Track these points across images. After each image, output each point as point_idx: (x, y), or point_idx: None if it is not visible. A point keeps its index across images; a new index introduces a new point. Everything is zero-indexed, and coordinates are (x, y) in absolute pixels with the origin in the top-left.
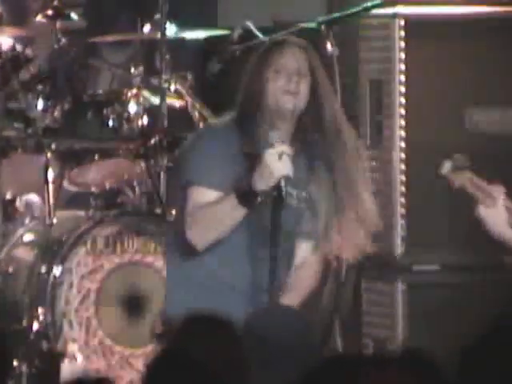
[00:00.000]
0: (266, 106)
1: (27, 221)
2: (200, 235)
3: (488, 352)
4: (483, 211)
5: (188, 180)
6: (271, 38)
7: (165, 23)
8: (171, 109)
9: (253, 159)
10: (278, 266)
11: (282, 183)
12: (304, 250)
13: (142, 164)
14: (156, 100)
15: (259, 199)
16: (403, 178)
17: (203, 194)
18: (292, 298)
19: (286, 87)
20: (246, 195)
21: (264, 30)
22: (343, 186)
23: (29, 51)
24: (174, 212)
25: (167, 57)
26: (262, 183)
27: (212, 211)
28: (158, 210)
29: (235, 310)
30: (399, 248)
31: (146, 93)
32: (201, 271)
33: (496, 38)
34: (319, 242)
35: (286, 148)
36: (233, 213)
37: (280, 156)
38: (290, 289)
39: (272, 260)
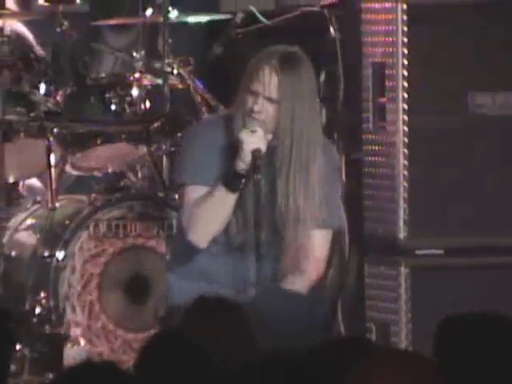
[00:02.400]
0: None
1: (30, 205)
2: (199, 233)
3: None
4: None
5: (181, 182)
6: (267, 50)
7: (167, 7)
8: (173, 93)
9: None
10: (263, 256)
11: (257, 156)
12: (315, 238)
13: (145, 148)
14: (158, 84)
15: (243, 181)
16: (406, 162)
17: (196, 192)
18: (301, 282)
19: (253, 108)
20: (230, 179)
21: (267, 14)
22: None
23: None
24: (176, 196)
25: (169, 41)
26: (240, 162)
27: (204, 206)
28: (161, 194)
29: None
30: (402, 232)
31: (148, 77)
32: (194, 272)
33: (497, 22)
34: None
35: (259, 128)
36: (223, 201)
37: (253, 132)
38: (299, 273)
39: (258, 249)
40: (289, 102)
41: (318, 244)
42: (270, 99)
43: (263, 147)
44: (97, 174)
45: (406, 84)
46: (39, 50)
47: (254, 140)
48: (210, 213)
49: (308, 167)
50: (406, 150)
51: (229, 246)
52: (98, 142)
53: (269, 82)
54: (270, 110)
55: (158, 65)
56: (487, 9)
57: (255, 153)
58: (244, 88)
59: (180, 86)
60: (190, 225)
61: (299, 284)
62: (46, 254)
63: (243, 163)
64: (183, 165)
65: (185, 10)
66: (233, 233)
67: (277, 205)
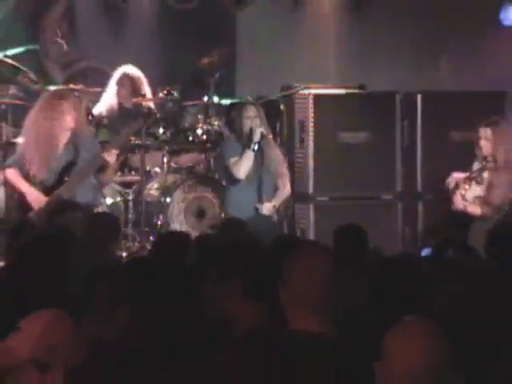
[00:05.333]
0: (244, 133)
1: (156, 179)
2: (242, 171)
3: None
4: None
5: (225, 160)
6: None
7: (213, 96)
8: (216, 132)
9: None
10: (266, 189)
11: (262, 135)
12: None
13: (203, 155)
14: (210, 128)
15: (256, 147)
16: (312, 160)
17: (234, 159)
18: (279, 200)
19: (252, 125)
20: (252, 146)
21: (256, 99)
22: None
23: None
24: (217, 175)
25: (214, 110)
26: (255, 138)
27: (242, 160)
28: (210, 175)
29: (251, 212)
30: (311, 189)
31: (205, 125)
32: (237, 198)
33: (353, 105)
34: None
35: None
36: (249, 156)
37: (260, 126)
38: (277, 197)
39: (261, 186)
40: (262, 117)
41: (287, 182)
42: (256, 116)
43: (265, 132)
44: (183, 166)
45: (312, 129)
46: (159, 115)
47: (261, 129)
48: (244, 161)
49: (275, 148)
50: (312, 155)
51: (249, 183)
52: (184, 153)
53: (253, 109)
54: (257, 122)
55: (209, 120)
56: (357, 98)
57: (262, 133)
58: (240, 120)
59: (218, 129)
60: (237, 169)
61: (281, 198)
62: (162, 199)
63: (256, 138)
64: (224, 154)
65: (221, 96)
66: (252, 174)
67: (266, 160)
